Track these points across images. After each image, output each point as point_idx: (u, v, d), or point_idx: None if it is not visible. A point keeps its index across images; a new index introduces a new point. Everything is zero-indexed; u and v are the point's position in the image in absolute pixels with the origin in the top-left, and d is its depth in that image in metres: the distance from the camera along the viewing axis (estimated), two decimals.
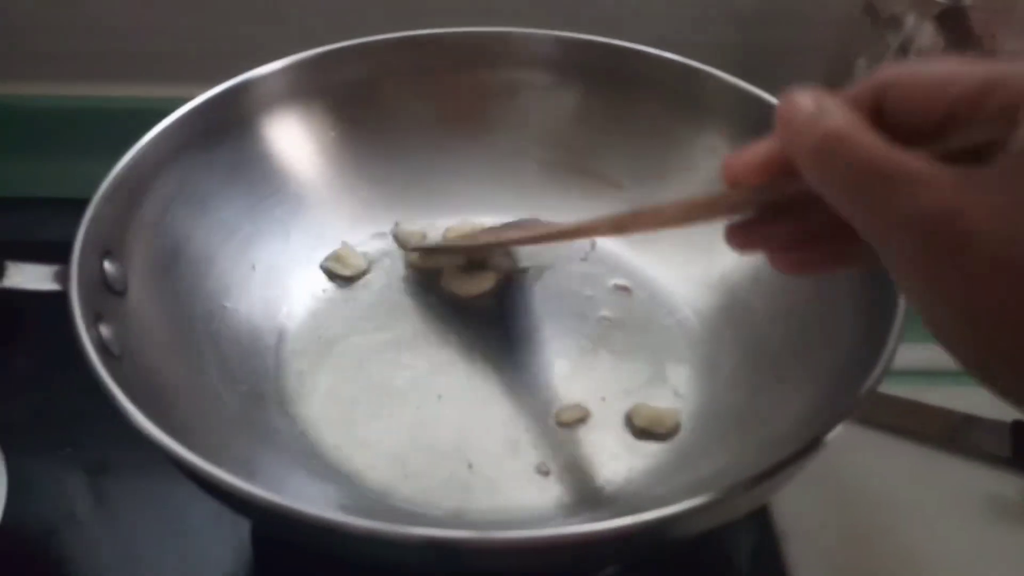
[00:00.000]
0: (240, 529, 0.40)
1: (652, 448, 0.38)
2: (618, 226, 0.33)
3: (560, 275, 0.46)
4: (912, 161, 0.20)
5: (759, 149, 0.25)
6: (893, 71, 0.22)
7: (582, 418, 0.39)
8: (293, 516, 0.25)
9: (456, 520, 0.35)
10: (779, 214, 0.26)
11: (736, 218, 0.27)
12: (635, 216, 0.31)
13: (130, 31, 0.57)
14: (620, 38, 0.46)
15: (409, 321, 0.44)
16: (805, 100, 0.22)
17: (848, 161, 0.21)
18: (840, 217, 0.22)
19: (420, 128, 0.48)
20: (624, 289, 0.45)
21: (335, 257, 0.45)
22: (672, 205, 0.29)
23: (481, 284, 0.45)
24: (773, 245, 0.27)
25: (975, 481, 0.42)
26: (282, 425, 0.38)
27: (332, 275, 0.45)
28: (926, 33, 0.48)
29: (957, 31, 0.47)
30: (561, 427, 0.39)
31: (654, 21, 0.56)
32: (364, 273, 0.46)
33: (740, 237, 0.28)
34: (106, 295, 0.34)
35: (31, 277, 0.33)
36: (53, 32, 0.57)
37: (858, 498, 0.42)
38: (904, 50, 0.50)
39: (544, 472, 0.37)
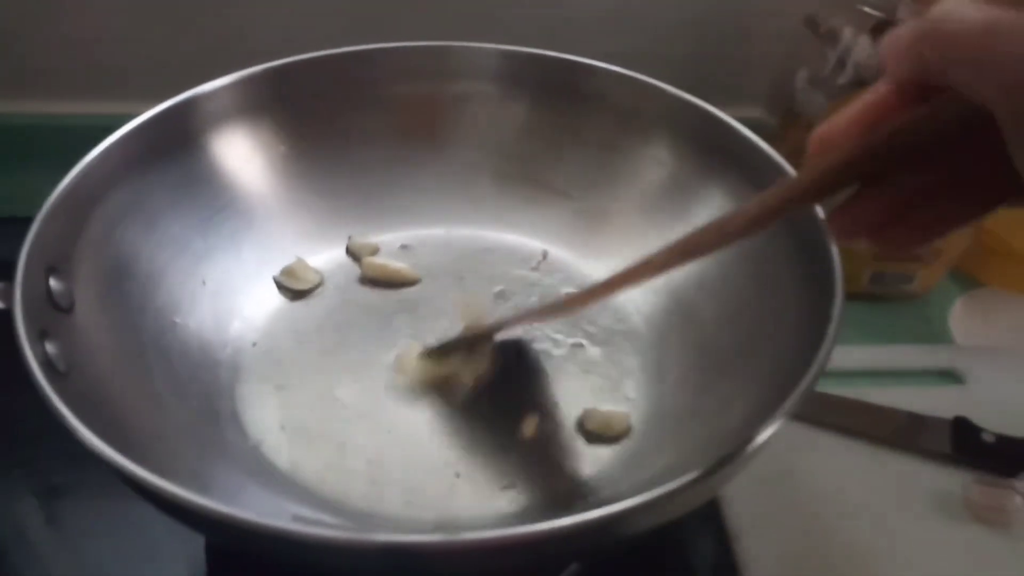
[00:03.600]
0: (194, 547, 0.39)
1: (605, 451, 0.38)
2: (683, 253, 0.30)
3: (511, 284, 0.46)
4: None
5: (855, 105, 0.24)
6: None
7: (536, 428, 0.39)
8: (247, 528, 0.24)
9: (416, 530, 0.35)
10: (872, 187, 0.25)
11: (831, 205, 0.26)
12: (700, 233, 0.28)
13: (77, 47, 0.57)
14: (568, 52, 0.47)
15: (362, 335, 0.43)
16: (912, 24, 0.22)
17: (967, 22, 0.20)
18: (931, 174, 0.22)
19: (371, 142, 0.48)
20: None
21: (288, 271, 0.45)
22: (745, 208, 0.27)
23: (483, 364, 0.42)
24: (873, 224, 0.26)
25: (919, 477, 0.43)
26: (234, 439, 0.37)
27: (285, 289, 0.45)
28: (862, 45, 0.50)
29: None
30: (516, 438, 0.39)
31: (601, 35, 0.57)
32: (317, 287, 0.46)
33: (841, 221, 0.27)
34: (52, 312, 0.33)
35: None
36: None
37: (808, 497, 0.43)
38: (843, 62, 0.52)
39: (507, 487, 0.37)
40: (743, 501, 0.42)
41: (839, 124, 0.25)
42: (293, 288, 0.45)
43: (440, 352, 0.41)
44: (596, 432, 0.39)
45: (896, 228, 0.26)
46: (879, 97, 0.24)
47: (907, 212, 0.26)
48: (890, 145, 0.24)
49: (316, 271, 0.46)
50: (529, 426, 0.39)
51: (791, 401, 0.29)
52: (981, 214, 0.26)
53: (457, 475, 0.37)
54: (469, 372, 0.40)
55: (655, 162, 0.46)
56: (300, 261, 0.46)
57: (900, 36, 0.23)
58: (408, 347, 0.42)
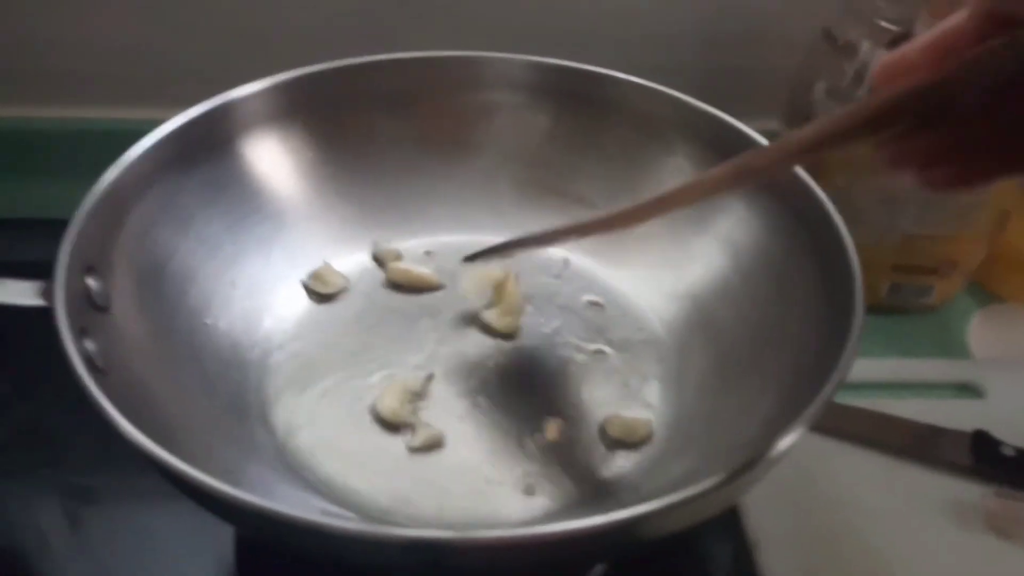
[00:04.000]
0: (220, 552, 0.40)
1: (627, 457, 0.39)
2: (740, 172, 0.28)
3: (534, 292, 0.47)
4: None
5: (929, 34, 0.23)
6: None
7: (558, 432, 0.40)
8: (280, 519, 0.25)
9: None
10: (925, 128, 0.23)
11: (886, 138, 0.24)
12: (757, 155, 0.27)
13: (111, 53, 0.58)
14: (591, 62, 0.48)
15: (387, 338, 0.44)
16: None
17: None
18: (997, 116, 0.20)
19: (397, 149, 0.49)
20: (597, 304, 0.46)
21: (315, 275, 0.46)
22: (804, 130, 0.25)
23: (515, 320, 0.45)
24: (925, 160, 0.24)
25: (939, 489, 0.43)
26: (263, 438, 0.38)
27: (312, 292, 0.46)
28: (879, 58, 0.50)
29: None
30: (538, 442, 0.39)
31: (619, 47, 0.58)
32: (343, 291, 0.46)
33: (894, 151, 0.25)
34: (90, 311, 0.34)
35: (16, 293, 0.33)
36: (34, 54, 0.58)
37: (828, 507, 0.43)
38: (860, 75, 0.52)
39: (529, 491, 0.37)
40: (763, 510, 0.42)
41: (910, 53, 0.23)
42: (320, 291, 0.46)
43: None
44: (618, 438, 0.39)
45: (948, 167, 0.24)
46: (956, 25, 0.22)
47: (964, 154, 0.24)
48: (959, 79, 0.22)
49: (342, 275, 0.47)
50: (552, 431, 0.40)
51: (811, 410, 0.29)
52: None
53: (484, 477, 0.38)
54: (503, 325, 0.43)
55: (676, 172, 0.46)
56: (327, 265, 0.47)
57: None
58: (390, 385, 0.41)
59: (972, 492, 0.43)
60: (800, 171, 0.40)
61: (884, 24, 0.49)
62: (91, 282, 0.35)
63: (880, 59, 0.23)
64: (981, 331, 0.55)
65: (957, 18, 0.22)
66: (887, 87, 0.23)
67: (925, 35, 0.23)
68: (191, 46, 0.58)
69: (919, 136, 0.24)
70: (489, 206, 0.50)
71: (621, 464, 0.39)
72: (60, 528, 0.41)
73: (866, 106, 0.23)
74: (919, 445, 0.45)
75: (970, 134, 0.23)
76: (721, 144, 0.44)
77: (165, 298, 0.39)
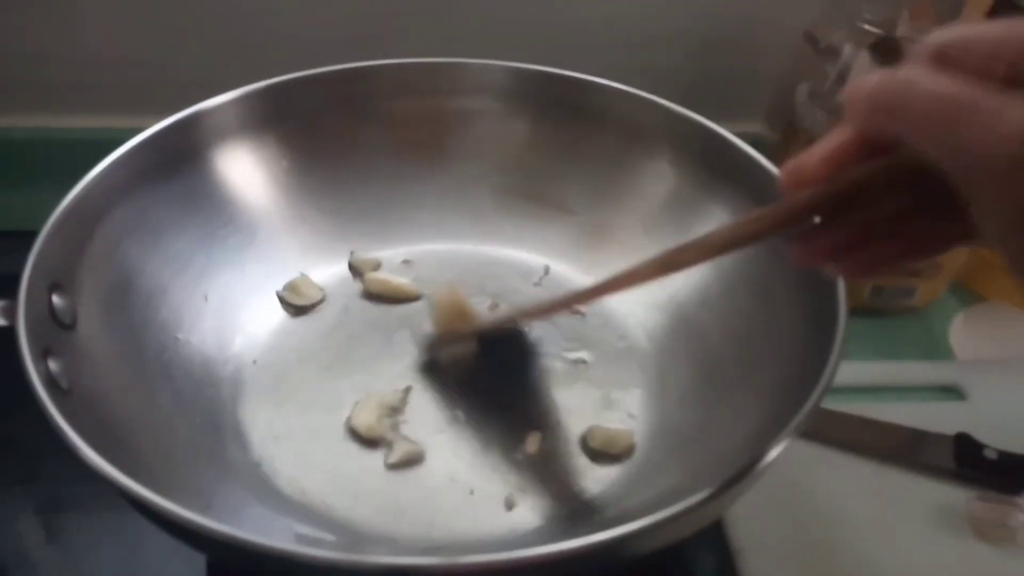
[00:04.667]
0: (196, 564, 0.39)
1: (609, 469, 0.38)
2: (664, 266, 0.31)
3: (513, 301, 0.46)
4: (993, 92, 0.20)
5: (824, 146, 0.25)
6: (945, 35, 0.22)
7: (539, 445, 0.39)
8: (250, 548, 0.24)
9: (419, 549, 0.34)
10: (836, 218, 0.26)
11: (792, 233, 0.27)
12: (680, 250, 0.30)
13: (81, 62, 0.57)
14: (567, 67, 0.47)
15: (364, 351, 0.43)
16: (874, 75, 0.22)
17: (926, 95, 0.20)
18: (900, 203, 0.23)
19: (374, 157, 0.48)
20: (577, 313, 0.46)
21: (291, 287, 0.45)
22: (720, 230, 0.28)
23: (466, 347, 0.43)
24: (837, 251, 0.27)
25: (923, 493, 0.43)
26: (237, 456, 0.37)
27: (288, 304, 0.45)
28: (862, 61, 0.50)
29: (891, 60, 0.49)
30: (519, 455, 0.39)
31: (600, 50, 0.57)
32: (320, 303, 0.46)
33: (802, 250, 0.27)
34: (55, 329, 0.33)
35: None
36: (3, 62, 0.57)
37: (811, 512, 0.42)
38: (842, 78, 0.52)
39: (511, 505, 0.37)
40: (746, 517, 0.42)
41: (809, 161, 0.25)
42: (296, 304, 0.45)
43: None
44: (600, 450, 0.39)
45: (857, 254, 0.27)
46: (843, 141, 0.25)
47: (868, 241, 0.26)
48: (849, 193, 0.25)
49: (319, 287, 0.46)
50: (533, 443, 0.39)
51: (797, 420, 0.29)
52: (943, 248, 0.27)
53: (465, 492, 0.37)
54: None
55: (657, 178, 0.46)
56: (303, 277, 0.46)
57: (861, 91, 0.23)
58: (366, 400, 0.40)
59: (956, 496, 0.43)
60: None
61: (866, 27, 0.49)
62: (56, 299, 0.34)
63: (783, 166, 0.26)
64: (963, 332, 0.55)
65: (844, 133, 0.24)
66: (790, 191, 0.26)
67: (820, 146, 0.25)
68: (173, 55, 0.57)
69: (822, 233, 0.26)
70: (468, 213, 0.49)
71: (603, 476, 0.38)
72: (38, 541, 0.41)
73: (774, 211, 0.26)
74: (902, 450, 0.45)
75: (868, 229, 0.26)
76: (704, 151, 0.44)
77: (135, 314, 0.38)
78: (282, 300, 0.45)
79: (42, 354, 0.31)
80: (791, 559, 0.40)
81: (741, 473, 0.27)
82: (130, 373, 0.36)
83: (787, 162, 0.26)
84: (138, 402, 0.35)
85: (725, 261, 0.42)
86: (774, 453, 0.28)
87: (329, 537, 0.34)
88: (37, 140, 0.58)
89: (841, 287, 0.34)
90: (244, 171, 0.45)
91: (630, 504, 0.35)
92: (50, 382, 0.30)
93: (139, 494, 0.26)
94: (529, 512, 0.36)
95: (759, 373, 0.37)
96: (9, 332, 0.31)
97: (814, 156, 0.25)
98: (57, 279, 0.34)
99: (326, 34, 0.57)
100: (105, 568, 0.40)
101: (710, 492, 0.27)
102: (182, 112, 0.42)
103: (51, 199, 0.37)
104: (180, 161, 0.43)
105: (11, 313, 0.31)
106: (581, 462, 0.39)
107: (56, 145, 0.58)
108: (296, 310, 0.45)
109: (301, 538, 0.33)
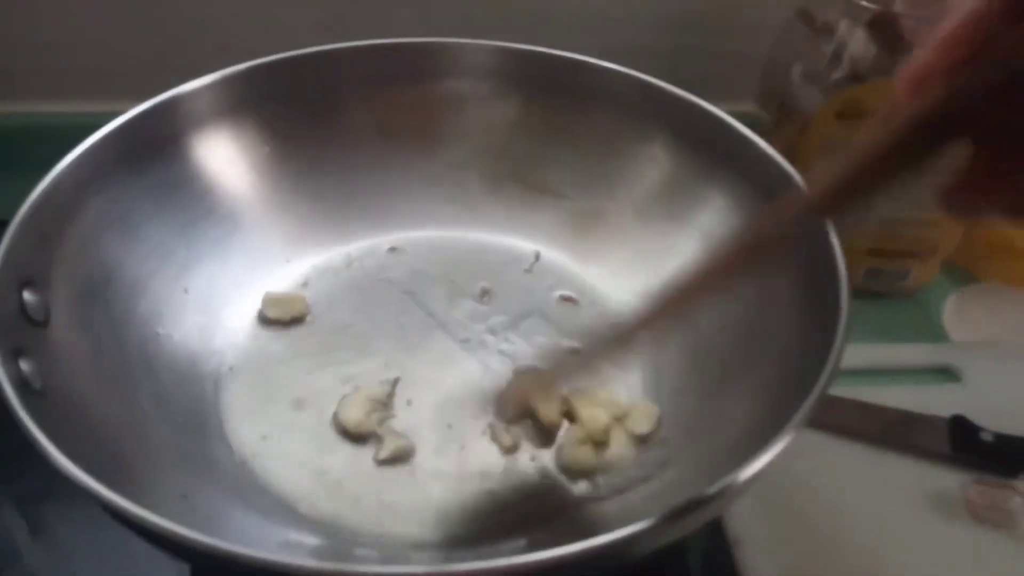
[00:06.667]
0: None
1: (604, 462, 0.37)
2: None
3: (504, 287, 0.45)
4: None
5: (947, 26, 0.19)
6: None
7: (531, 437, 0.38)
8: (231, 558, 0.23)
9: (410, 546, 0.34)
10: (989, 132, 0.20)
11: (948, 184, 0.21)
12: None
13: (55, 46, 0.56)
14: (555, 47, 0.46)
15: (350, 348, 0.42)
16: None
17: None
18: None
19: (359, 142, 0.47)
20: (570, 300, 0.45)
21: (271, 301, 0.43)
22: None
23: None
24: (994, 179, 0.21)
25: (918, 478, 0.43)
26: (220, 456, 0.36)
27: (268, 320, 0.43)
28: (858, 39, 0.49)
29: (888, 37, 0.48)
30: (511, 448, 0.38)
31: (588, 29, 0.56)
32: (303, 316, 0.44)
33: (961, 199, 0.21)
34: (26, 327, 0.32)
35: None
36: None
37: (806, 499, 0.42)
38: (838, 56, 0.51)
39: (503, 502, 0.36)
40: (742, 505, 0.41)
41: (929, 58, 0.19)
42: (279, 319, 0.43)
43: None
44: (593, 444, 0.38)
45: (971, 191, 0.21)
46: (976, 8, 0.19)
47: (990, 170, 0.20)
48: (1004, 80, 0.18)
49: (300, 297, 0.44)
50: (525, 435, 0.38)
51: (804, 411, 0.28)
52: None
53: (457, 487, 0.36)
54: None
55: (651, 161, 0.45)
56: (284, 294, 0.44)
57: None
58: (353, 395, 0.39)
59: (952, 480, 0.43)
60: (779, 158, 0.38)
61: (863, 3, 0.48)
62: (28, 296, 0.33)
63: (898, 74, 0.20)
64: (957, 313, 0.55)
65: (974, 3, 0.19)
66: (911, 95, 0.20)
67: (943, 27, 0.19)
68: (147, 37, 0.56)
69: (981, 168, 0.21)
70: (457, 198, 0.48)
71: (598, 472, 0.37)
72: (21, 538, 0.40)
73: (884, 135, 0.20)
74: (897, 433, 0.45)
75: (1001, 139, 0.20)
76: (699, 132, 0.43)
77: (112, 310, 0.37)
78: (263, 316, 0.43)
79: (13, 354, 0.30)
80: (788, 547, 0.40)
81: (742, 471, 0.27)
82: (107, 372, 0.35)
83: (901, 73, 0.20)
84: (116, 402, 0.34)
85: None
86: (775, 451, 0.27)
87: (317, 539, 0.33)
88: (7, 126, 0.57)
89: (844, 277, 0.33)
90: (224, 158, 0.44)
91: (631, 499, 0.34)
92: (22, 383, 0.29)
93: (114, 502, 0.25)
94: (523, 508, 0.36)
95: (757, 366, 0.36)
96: None
97: (936, 46, 0.19)
98: (28, 276, 0.33)
99: (307, 15, 0.55)
100: (89, 562, 0.39)
101: (706, 494, 0.26)
102: (158, 97, 0.41)
103: (23, 189, 0.35)
104: (157, 149, 0.41)
105: None
106: (575, 451, 0.38)
107: (27, 132, 0.56)
108: (279, 324, 0.43)
109: (288, 543, 0.32)
